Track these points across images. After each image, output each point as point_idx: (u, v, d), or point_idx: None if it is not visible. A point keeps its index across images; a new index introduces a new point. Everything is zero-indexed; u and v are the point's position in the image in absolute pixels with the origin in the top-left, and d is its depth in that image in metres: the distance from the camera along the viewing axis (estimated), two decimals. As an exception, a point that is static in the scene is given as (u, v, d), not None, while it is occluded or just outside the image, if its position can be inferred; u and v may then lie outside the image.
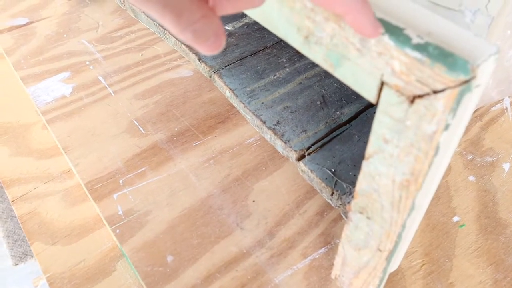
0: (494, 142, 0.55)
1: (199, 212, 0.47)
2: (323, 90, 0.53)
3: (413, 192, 0.28)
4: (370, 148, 0.29)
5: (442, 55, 0.23)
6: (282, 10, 0.30)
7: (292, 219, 0.47)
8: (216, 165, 0.52)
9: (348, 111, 0.51)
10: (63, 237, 0.48)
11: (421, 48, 0.24)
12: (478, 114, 0.59)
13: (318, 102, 0.51)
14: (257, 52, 0.58)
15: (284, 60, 0.56)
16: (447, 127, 0.25)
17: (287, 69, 0.55)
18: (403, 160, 0.28)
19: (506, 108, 0.59)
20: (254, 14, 0.34)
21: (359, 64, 0.27)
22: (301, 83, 0.53)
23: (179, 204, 0.48)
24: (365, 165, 0.30)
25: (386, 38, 0.24)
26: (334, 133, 0.49)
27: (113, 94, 0.60)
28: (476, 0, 0.32)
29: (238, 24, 0.62)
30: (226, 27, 0.62)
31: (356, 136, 0.49)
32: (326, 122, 0.49)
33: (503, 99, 0.60)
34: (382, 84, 0.26)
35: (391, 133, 0.27)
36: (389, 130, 0.27)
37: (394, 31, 0.25)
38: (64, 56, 0.66)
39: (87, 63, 0.65)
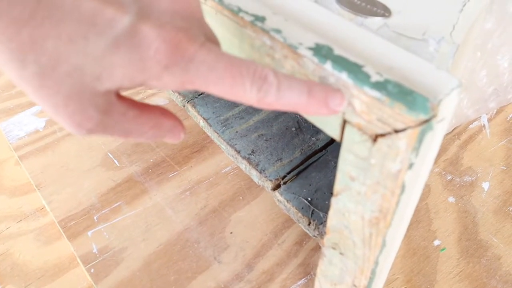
0: (473, 161, 0.55)
1: (175, 247, 0.46)
2: (298, 116, 0.52)
3: (382, 230, 0.28)
4: (338, 185, 0.29)
5: (402, 94, 0.23)
6: (243, 47, 0.30)
7: (271, 250, 0.46)
8: (192, 196, 0.51)
9: (324, 136, 0.50)
10: (36, 279, 0.46)
11: (380, 86, 0.23)
12: (456, 133, 0.58)
13: (293, 129, 0.50)
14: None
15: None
16: (411, 166, 0.24)
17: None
18: (370, 198, 0.27)
19: (484, 126, 0.59)
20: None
21: (321, 102, 0.26)
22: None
23: (155, 239, 0.47)
24: (335, 202, 0.30)
25: (344, 76, 0.24)
26: (310, 160, 0.48)
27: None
28: (440, 28, 0.32)
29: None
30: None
31: (333, 163, 0.48)
32: (302, 149, 0.49)
33: (480, 116, 0.60)
34: (345, 122, 0.26)
35: (357, 170, 0.27)
36: (354, 167, 0.27)
37: (352, 68, 0.24)
38: (37, 89, 0.65)
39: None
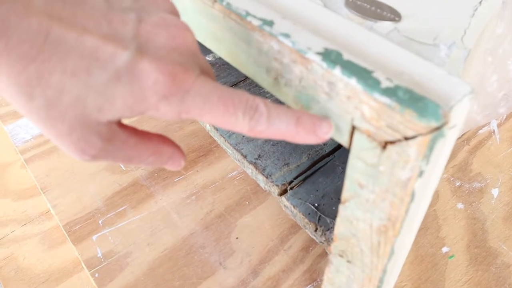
0: (482, 167, 0.54)
1: (180, 252, 0.46)
2: (305, 121, 0.52)
3: (391, 238, 0.27)
4: (346, 193, 0.28)
5: (412, 100, 0.22)
6: (250, 52, 0.29)
7: (277, 255, 0.46)
8: (198, 201, 0.50)
9: (331, 141, 0.49)
10: (40, 283, 0.46)
11: (390, 92, 0.23)
12: (465, 138, 0.58)
13: (300, 133, 0.50)
14: (238, 82, 0.57)
15: (266, 90, 0.56)
16: (421, 173, 0.23)
17: (269, 99, 0.54)
18: (379, 206, 0.26)
19: (494, 131, 0.59)
20: (223, 53, 0.33)
21: (329, 107, 0.26)
22: (282, 113, 0.52)
23: (160, 244, 0.47)
24: (342, 209, 0.29)
25: (353, 82, 0.23)
26: (317, 166, 0.47)
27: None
28: (451, 33, 0.32)
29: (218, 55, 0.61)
30: (207, 58, 0.61)
31: (340, 168, 0.47)
32: (309, 154, 0.48)
33: (490, 122, 0.59)
34: (353, 128, 0.25)
35: (366, 178, 0.26)
36: (363, 175, 0.26)
37: (362, 74, 0.24)
38: (44, 92, 0.65)
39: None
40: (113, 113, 0.22)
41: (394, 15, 0.33)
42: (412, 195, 0.25)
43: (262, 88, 0.56)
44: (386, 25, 0.32)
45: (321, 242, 0.43)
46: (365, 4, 0.34)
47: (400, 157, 0.23)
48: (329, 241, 0.42)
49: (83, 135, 0.22)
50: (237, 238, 0.47)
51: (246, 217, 0.49)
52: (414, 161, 0.23)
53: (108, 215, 0.49)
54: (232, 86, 0.56)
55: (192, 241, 0.47)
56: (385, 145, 0.24)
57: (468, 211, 0.49)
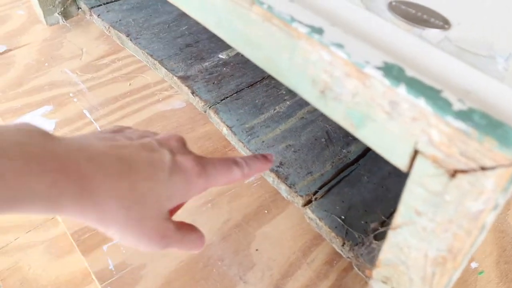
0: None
1: (198, 264, 0.43)
2: (327, 126, 0.49)
3: (450, 270, 0.25)
4: (399, 218, 0.26)
5: (491, 126, 0.20)
6: (294, 60, 0.26)
7: (299, 269, 0.43)
8: (214, 209, 0.48)
9: (355, 148, 0.47)
10: (47, 296, 0.43)
11: (465, 116, 0.20)
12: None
13: (323, 139, 0.47)
14: (254, 83, 0.54)
15: (284, 92, 0.53)
16: (496, 206, 0.21)
17: (288, 102, 0.51)
18: (439, 236, 0.24)
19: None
20: (258, 59, 0.30)
21: (388, 127, 0.23)
22: (303, 117, 0.49)
23: (175, 256, 0.44)
24: (392, 235, 0.27)
25: (422, 103, 0.21)
26: (342, 175, 0.45)
27: (99, 129, 0.56)
28: (507, 44, 0.29)
29: (232, 52, 0.58)
30: (220, 56, 0.58)
31: (365, 177, 0.45)
32: (333, 162, 0.46)
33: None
34: (416, 152, 0.23)
35: (426, 205, 0.24)
36: (423, 202, 0.24)
37: (430, 94, 0.21)
38: (46, 88, 0.61)
39: (71, 95, 0.60)
40: (176, 199, 0.30)
41: (443, 22, 0.30)
42: (482, 228, 0.22)
43: (280, 90, 0.53)
44: (435, 33, 0.29)
45: (348, 257, 0.41)
46: (411, 9, 0.31)
47: (473, 187, 0.21)
48: (357, 257, 0.40)
49: (162, 223, 0.30)
50: (257, 250, 0.45)
51: (265, 227, 0.46)
52: (491, 193, 0.20)
53: (119, 223, 0.46)
54: (248, 86, 0.54)
55: (210, 253, 0.44)
56: (454, 173, 0.21)
57: (495, 223, 0.47)
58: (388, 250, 0.28)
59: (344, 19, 0.26)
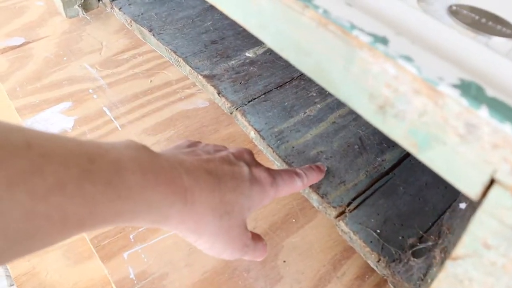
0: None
1: (223, 276, 0.41)
2: (360, 131, 0.46)
3: (519, 309, 0.22)
4: (462, 249, 0.23)
5: None
6: (351, 70, 0.24)
7: (329, 283, 0.41)
8: (239, 216, 0.46)
9: (390, 157, 0.45)
10: (66, 304, 0.41)
11: (557, 145, 0.18)
12: None
13: (356, 146, 0.45)
14: (283, 84, 0.52)
15: (314, 94, 0.50)
16: None
17: (318, 105, 0.49)
18: (510, 273, 0.22)
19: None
20: (306, 67, 0.28)
21: (461, 152, 0.21)
22: (334, 122, 0.47)
23: (199, 265, 0.42)
24: (451, 266, 0.24)
25: (507, 128, 0.18)
26: (376, 185, 0.43)
27: (120, 128, 0.54)
28: None
29: (260, 50, 0.56)
30: (247, 54, 0.56)
31: (401, 188, 0.43)
32: (367, 171, 0.43)
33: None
34: (492, 181, 0.20)
35: (497, 239, 0.21)
36: (494, 235, 0.21)
37: (516, 117, 0.19)
38: (65, 83, 0.59)
39: (90, 91, 0.58)
40: (254, 208, 0.34)
41: (510, 30, 0.27)
42: None
43: (310, 92, 0.51)
44: (502, 42, 0.27)
45: (383, 274, 0.39)
46: (473, 15, 0.28)
47: (561, 225, 0.18)
48: (394, 274, 0.37)
49: (244, 232, 0.33)
50: (284, 261, 0.42)
51: (293, 237, 0.44)
52: None
53: (140, 229, 0.44)
54: (277, 87, 0.51)
55: (235, 263, 0.42)
56: (538, 207, 0.19)
57: None
58: (445, 280, 0.25)
59: (407, 27, 0.24)
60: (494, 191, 0.20)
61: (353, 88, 0.24)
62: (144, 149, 0.28)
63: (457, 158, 0.21)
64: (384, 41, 0.22)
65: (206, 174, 0.30)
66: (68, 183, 0.21)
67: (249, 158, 0.36)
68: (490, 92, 0.20)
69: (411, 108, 0.22)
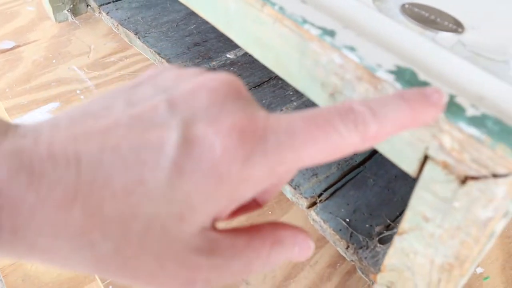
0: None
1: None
2: (334, 128, 0.49)
3: (456, 277, 0.25)
4: (406, 224, 0.25)
5: (505, 133, 0.19)
6: (304, 63, 0.26)
7: (302, 271, 0.43)
8: (218, 209, 0.48)
9: (361, 151, 0.47)
10: (50, 292, 0.43)
11: (478, 122, 0.20)
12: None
13: (329, 141, 0.47)
14: (261, 83, 0.54)
15: (291, 93, 0.53)
16: (506, 214, 0.21)
17: (295, 103, 0.51)
18: (446, 243, 0.24)
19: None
20: (268, 61, 0.30)
21: (398, 132, 0.23)
22: (309, 119, 0.49)
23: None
24: (398, 240, 0.27)
25: (434, 108, 0.21)
26: (347, 177, 0.45)
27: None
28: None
29: (240, 52, 0.58)
30: (228, 55, 0.58)
31: (371, 180, 0.45)
32: (338, 164, 0.46)
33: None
34: (426, 158, 0.22)
35: (433, 211, 0.23)
36: (431, 208, 0.23)
37: (442, 98, 0.21)
38: (53, 84, 0.61)
39: (78, 92, 0.60)
40: (198, 214, 0.17)
41: (456, 26, 0.30)
42: (490, 236, 0.22)
43: (287, 91, 0.53)
44: (448, 37, 0.29)
45: (352, 260, 0.41)
46: (424, 12, 0.31)
47: (483, 195, 0.21)
48: (361, 260, 0.40)
49: (178, 261, 0.17)
50: (260, 251, 0.44)
51: (269, 229, 0.46)
52: (501, 201, 0.20)
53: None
54: (255, 87, 0.53)
55: (213, 253, 0.44)
56: (464, 180, 0.21)
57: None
58: (394, 255, 0.27)
59: (357, 21, 0.26)
60: (428, 166, 0.22)
61: (308, 78, 0.27)
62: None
63: (395, 137, 0.23)
64: (331, 33, 0.24)
65: (57, 168, 0.15)
66: None
67: (207, 104, 0.18)
68: (422, 77, 0.22)
69: (356, 94, 0.24)
